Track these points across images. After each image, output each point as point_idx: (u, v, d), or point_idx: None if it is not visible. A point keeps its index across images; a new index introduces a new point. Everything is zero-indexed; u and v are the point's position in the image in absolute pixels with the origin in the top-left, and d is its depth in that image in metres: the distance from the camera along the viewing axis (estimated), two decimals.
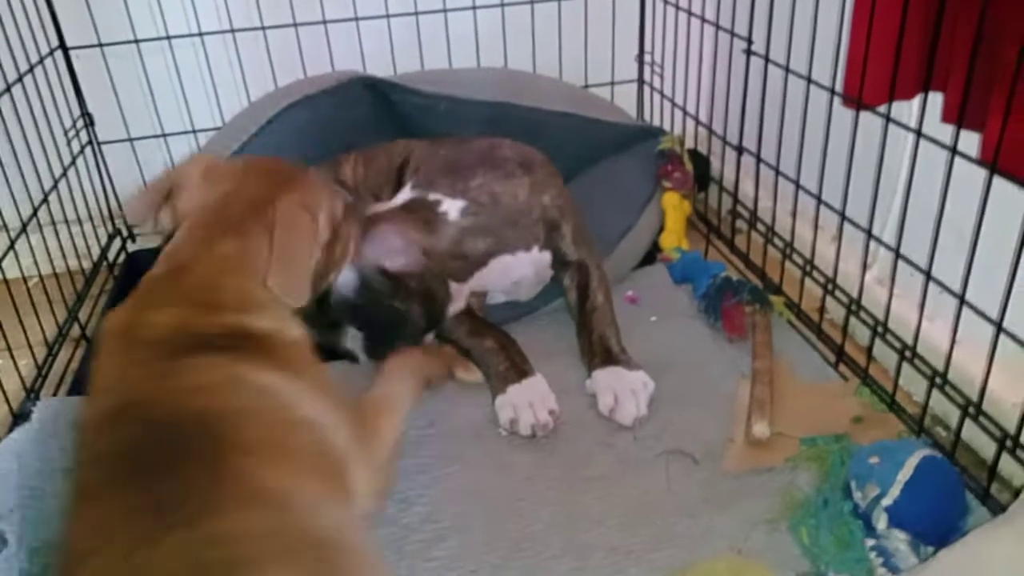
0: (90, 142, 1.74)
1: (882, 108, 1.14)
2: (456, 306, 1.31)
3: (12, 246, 1.36)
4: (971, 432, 1.08)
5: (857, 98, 1.15)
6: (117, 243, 1.79)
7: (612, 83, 1.90)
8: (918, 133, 1.06)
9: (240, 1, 1.70)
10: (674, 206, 1.62)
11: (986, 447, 1.10)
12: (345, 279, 1.20)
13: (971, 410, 1.05)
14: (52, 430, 1.19)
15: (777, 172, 1.42)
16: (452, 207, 1.27)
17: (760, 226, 1.51)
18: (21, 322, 1.32)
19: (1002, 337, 0.99)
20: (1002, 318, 0.98)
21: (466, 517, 1.06)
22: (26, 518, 1.05)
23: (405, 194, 1.31)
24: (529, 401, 1.19)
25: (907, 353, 1.16)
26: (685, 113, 1.76)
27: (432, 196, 1.28)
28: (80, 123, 1.71)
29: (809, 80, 1.29)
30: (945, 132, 1.04)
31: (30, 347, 1.34)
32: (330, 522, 0.77)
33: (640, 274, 1.55)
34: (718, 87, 1.57)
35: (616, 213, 1.56)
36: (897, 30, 1.06)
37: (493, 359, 1.26)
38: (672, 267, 1.54)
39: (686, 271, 1.51)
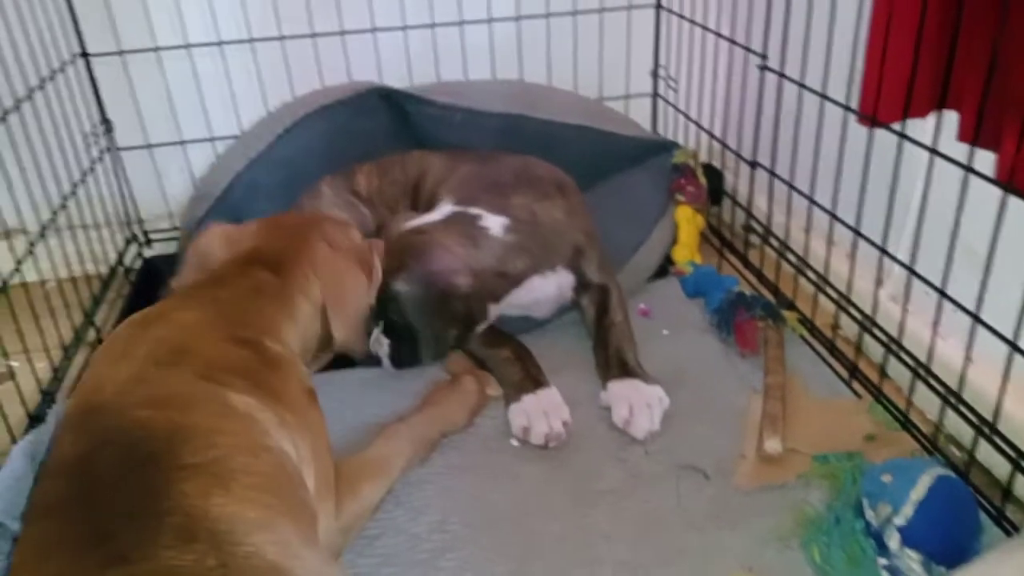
0: (109, 148, 1.76)
1: (896, 125, 1.14)
2: (485, 324, 1.31)
3: (31, 250, 1.37)
4: (985, 451, 1.07)
5: (872, 115, 1.15)
6: (134, 248, 1.80)
7: (627, 96, 1.90)
8: (933, 151, 1.06)
9: (260, 11, 1.72)
10: (687, 219, 1.62)
11: (1000, 467, 1.09)
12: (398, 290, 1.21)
13: (985, 429, 1.05)
14: None
15: (791, 187, 1.42)
16: (495, 223, 1.27)
17: (774, 241, 1.51)
18: (38, 325, 1.34)
19: (1016, 356, 0.98)
20: (1016, 336, 0.98)
21: (475, 528, 1.06)
22: None
23: (446, 208, 1.31)
24: (544, 411, 1.19)
25: (921, 371, 1.16)
26: (699, 127, 1.76)
27: (473, 211, 1.27)
28: (99, 129, 1.73)
29: (824, 96, 1.29)
30: (959, 150, 1.04)
31: (47, 350, 1.36)
32: (277, 553, 0.73)
33: (653, 287, 1.55)
34: (732, 102, 1.58)
35: (629, 226, 1.56)
36: (913, 48, 1.06)
37: (509, 369, 1.26)
38: (685, 281, 1.54)
39: (699, 285, 1.51)
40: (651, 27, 1.87)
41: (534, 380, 1.24)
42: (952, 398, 1.10)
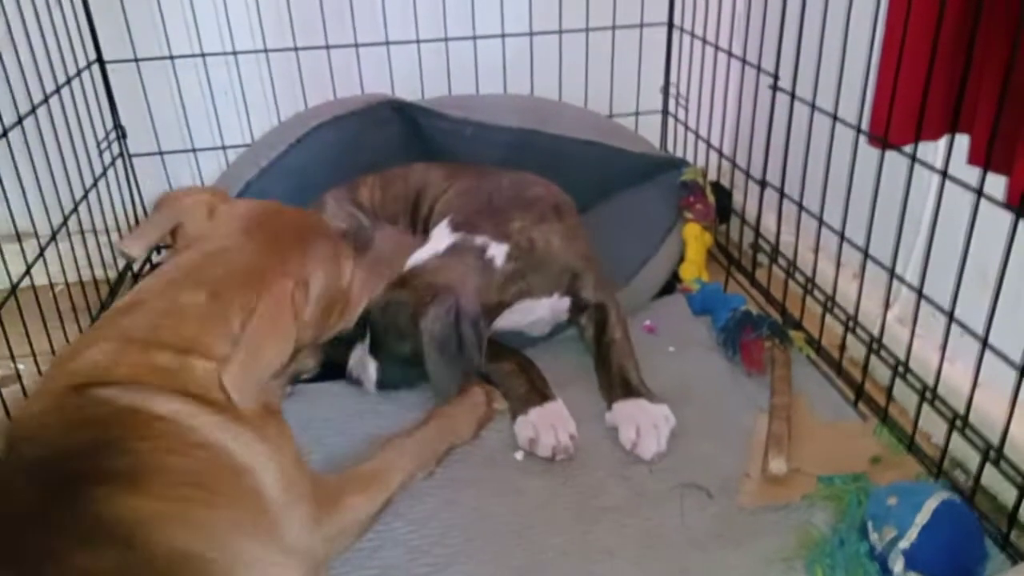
0: (121, 154, 1.78)
1: (908, 148, 1.14)
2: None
3: (42, 253, 1.38)
4: (991, 477, 1.07)
5: (883, 137, 1.16)
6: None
7: (637, 113, 1.91)
8: (944, 174, 1.06)
9: (274, 21, 1.73)
10: (695, 237, 1.63)
11: (1006, 493, 1.08)
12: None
13: (992, 454, 1.04)
14: None
15: (800, 207, 1.42)
16: (498, 252, 1.25)
17: (782, 261, 1.51)
18: (46, 328, 1.34)
19: None
20: None
21: (477, 542, 1.05)
22: None
23: (445, 236, 1.28)
24: (551, 423, 1.19)
25: (928, 394, 1.15)
26: (709, 145, 1.77)
27: (479, 240, 1.26)
28: (113, 135, 1.74)
29: (835, 118, 1.29)
30: (970, 173, 1.04)
31: (53, 353, 1.36)
32: (191, 542, 0.75)
33: (659, 304, 1.55)
34: (743, 121, 1.58)
35: (637, 242, 1.56)
36: (925, 71, 1.06)
37: (513, 381, 1.26)
38: (692, 298, 1.54)
39: (706, 303, 1.51)
40: (663, 45, 1.88)
41: (540, 393, 1.24)
42: (959, 422, 1.09)
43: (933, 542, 0.94)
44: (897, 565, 0.94)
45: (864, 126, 1.23)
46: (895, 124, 1.13)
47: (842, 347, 1.36)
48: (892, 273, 1.21)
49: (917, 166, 1.14)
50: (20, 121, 1.37)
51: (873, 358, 1.27)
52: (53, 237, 1.44)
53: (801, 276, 1.45)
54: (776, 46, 1.41)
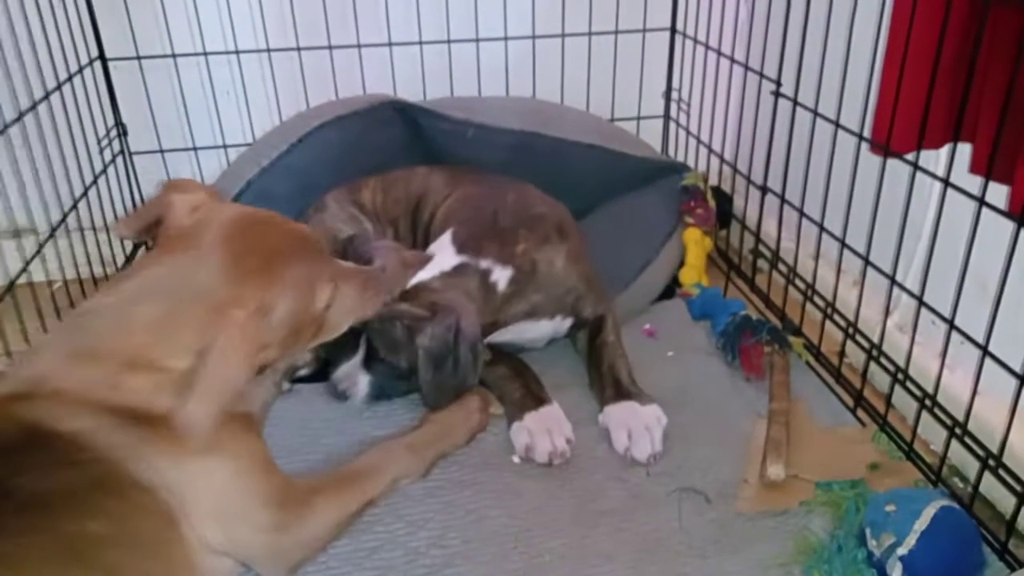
0: (122, 152, 1.77)
1: (909, 155, 1.15)
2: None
3: (40, 249, 1.38)
4: (989, 484, 1.07)
5: (885, 145, 1.16)
6: (142, 252, 1.81)
7: (638, 118, 1.91)
8: (946, 182, 1.06)
9: (276, 21, 1.73)
10: (695, 242, 1.63)
11: (1004, 500, 1.08)
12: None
13: (991, 462, 1.04)
14: None
15: (801, 214, 1.42)
16: (502, 277, 1.24)
17: (782, 267, 1.51)
18: (44, 325, 1.34)
19: None
20: None
21: (474, 544, 1.05)
22: None
23: (450, 256, 1.26)
24: (547, 428, 1.18)
25: (927, 401, 1.15)
26: (710, 150, 1.77)
27: (484, 264, 1.24)
28: (114, 133, 1.74)
29: (837, 125, 1.29)
30: (971, 182, 1.05)
31: None
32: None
33: (659, 308, 1.55)
34: (744, 126, 1.58)
35: (637, 246, 1.56)
36: (928, 79, 1.06)
37: (508, 386, 1.26)
38: (691, 303, 1.54)
39: (705, 307, 1.51)
40: (665, 50, 1.88)
41: (535, 397, 1.23)
42: (958, 429, 1.09)
43: (931, 549, 0.94)
44: (895, 572, 0.94)
45: (866, 133, 1.23)
46: (897, 132, 1.14)
47: (841, 353, 1.36)
48: (892, 280, 1.22)
49: (918, 174, 1.14)
50: (21, 117, 1.37)
51: (872, 365, 1.27)
52: (52, 234, 1.43)
53: (801, 282, 1.45)
54: (779, 52, 1.41)
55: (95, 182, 1.62)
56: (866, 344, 1.29)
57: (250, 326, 0.90)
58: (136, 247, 1.79)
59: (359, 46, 1.73)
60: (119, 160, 1.76)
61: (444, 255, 1.26)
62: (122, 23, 1.66)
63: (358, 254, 1.22)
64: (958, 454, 1.14)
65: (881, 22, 1.18)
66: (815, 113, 1.34)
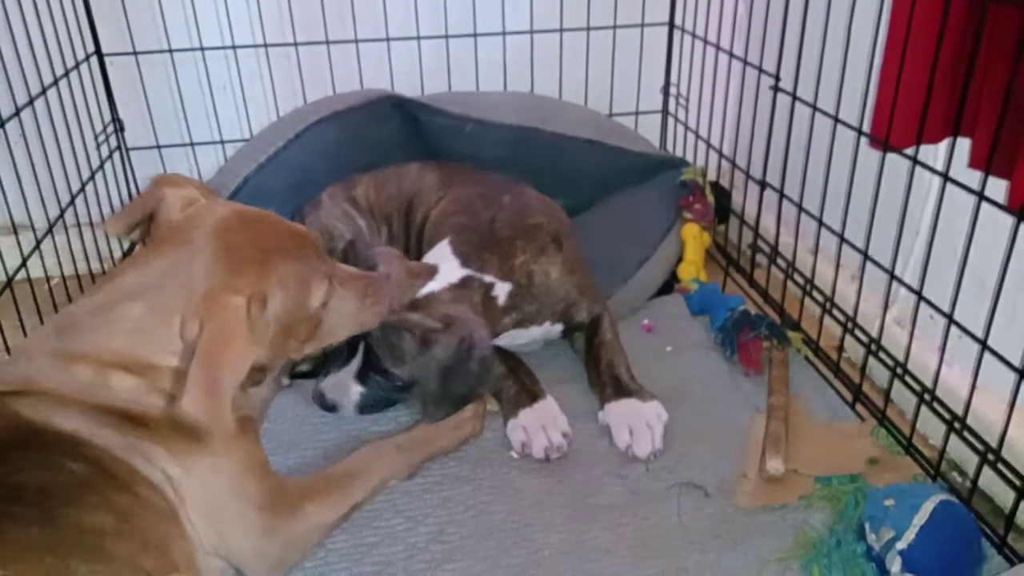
0: (119, 147, 1.77)
1: (909, 150, 1.14)
2: None
3: (38, 245, 1.38)
4: (988, 479, 1.07)
5: (884, 140, 1.16)
6: (139, 249, 1.80)
7: (637, 113, 1.91)
8: (945, 177, 1.06)
9: (274, 17, 1.72)
10: (694, 237, 1.63)
11: (1003, 495, 1.09)
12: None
13: (990, 456, 1.04)
14: None
15: (800, 208, 1.42)
16: (502, 291, 1.24)
17: (780, 262, 1.51)
18: (41, 321, 1.34)
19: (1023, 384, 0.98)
20: None
21: (473, 539, 1.05)
22: None
23: (455, 268, 1.24)
24: (542, 424, 1.18)
25: (926, 396, 1.15)
26: (708, 145, 1.77)
27: (487, 278, 1.24)
28: (110, 128, 1.74)
29: (836, 119, 1.29)
30: (971, 176, 1.04)
31: None
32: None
33: (657, 304, 1.55)
34: (743, 121, 1.58)
35: (635, 241, 1.56)
36: (927, 74, 1.06)
37: (503, 384, 1.25)
38: (690, 298, 1.54)
39: (704, 303, 1.50)
40: (663, 45, 1.88)
41: (530, 393, 1.23)
42: (957, 424, 1.09)
43: (930, 543, 0.94)
44: (894, 566, 0.94)
45: (865, 128, 1.23)
46: (897, 127, 1.13)
47: (840, 348, 1.36)
48: (891, 275, 1.21)
49: (918, 169, 1.14)
50: (17, 112, 1.37)
51: (871, 359, 1.27)
52: (50, 230, 1.43)
53: (800, 277, 1.45)
54: (778, 47, 1.41)
55: (92, 178, 1.62)
56: (865, 339, 1.29)
57: (245, 313, 0.88)
58: (133, 243, 1.79)
59: (356, 41, 1.73)
60: (116, 156, 1.75)
61: (448, 266, 1.25)
62: (119, 18, 1.65)
63: (361, 259, 1.20)
64: (957, 449, 1.14)
65: (880, 16, 1.18)
66: (814, 108, 1.34)
